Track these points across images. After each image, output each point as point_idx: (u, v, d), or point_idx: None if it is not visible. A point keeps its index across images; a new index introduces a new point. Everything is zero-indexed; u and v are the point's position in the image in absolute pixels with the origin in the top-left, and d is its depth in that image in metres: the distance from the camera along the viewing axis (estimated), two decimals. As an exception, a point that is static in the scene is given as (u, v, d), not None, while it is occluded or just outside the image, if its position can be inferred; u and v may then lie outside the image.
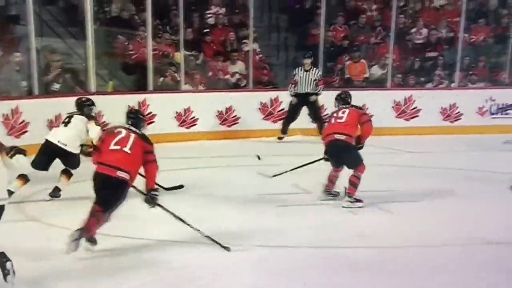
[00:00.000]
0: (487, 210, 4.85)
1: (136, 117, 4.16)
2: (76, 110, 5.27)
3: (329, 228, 4.44)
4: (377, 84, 9.59)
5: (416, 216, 4.78)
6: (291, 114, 8.50)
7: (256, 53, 9.27)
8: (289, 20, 9.93)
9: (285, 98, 8.76)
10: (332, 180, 5.28)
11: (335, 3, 9.91)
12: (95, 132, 5.10)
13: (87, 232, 3.75)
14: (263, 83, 9.19)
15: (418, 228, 4.47)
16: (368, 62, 9.76)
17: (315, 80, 8.49)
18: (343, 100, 5.35)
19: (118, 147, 3.92)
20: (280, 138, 8.46)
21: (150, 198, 3.94)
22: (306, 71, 8.49)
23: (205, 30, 9.12)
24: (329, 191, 5.26)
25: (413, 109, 9.42)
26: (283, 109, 8.86)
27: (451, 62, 9.95)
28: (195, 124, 8.34)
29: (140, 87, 8.02)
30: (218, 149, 7.11)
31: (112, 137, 4.00)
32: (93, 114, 5.36)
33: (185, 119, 8.41)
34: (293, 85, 8.47)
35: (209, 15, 9.25)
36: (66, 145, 5.14)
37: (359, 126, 5.12)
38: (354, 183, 5.04)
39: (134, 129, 4.02)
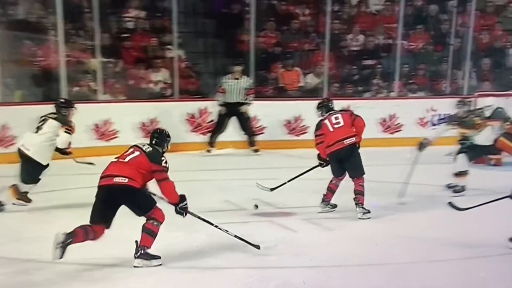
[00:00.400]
0: (427, 227, 5.48)
1: (161, 137, 4.79)
2: (53, 112, 5.84)
3: (265, 246, 4.82)
4: (313, 93, 10.50)
5: (356, 234, 5.32)
6: (220, 125, 9.26)
7: (182, 60, 10.00)
8: (217, 25, 10.68)
9: (214, 108, 9.59)
10: (332, 189, 5.96)
11: (265, 8, 10.71)
12: (61, 141, 5.74)
13: (73, 238, 4.28)
14: (190, 93, 9.89)
15: (360, 246, 4.99)
16: (303, 70, 10.74)
17: (245, 89, 9.41)
18: (326, 107, 6.17)
19: (115, 160, 4.60)
20: (208, 151, 9.15)
21: (180, 211, 4.62)
22: (236, 79, 9.31)
23: (123, 35, 9.67)
24: (328, 201, 5.94)
25: (351, 119, 10.36)
26: (212, 121, 9.70)
27: (389, 70, 11.08)
28: (116, 137, 8.87)
29: (52, 97, 8.10)
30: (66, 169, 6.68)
31: (124, 151, 4.67)
32: (69, 118, 5.95)
33: (103, 131, 9.03)
34: (221, 94, 9.25)
35: (127, 19, 9.86)
36: (29, 150, 5.66)
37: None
38: (361, 192, 5.83)
39: (143, 147, 4.61)
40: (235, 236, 4.80)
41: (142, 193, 4.54)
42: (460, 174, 6.61)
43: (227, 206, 6.11)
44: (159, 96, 9.50)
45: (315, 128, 6.29)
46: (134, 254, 4.41)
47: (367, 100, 10.70)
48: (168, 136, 4.87)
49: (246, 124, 9.32)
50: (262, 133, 10.01)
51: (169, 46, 9.83)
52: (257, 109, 9.82)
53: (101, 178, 4.53)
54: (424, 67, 11.47)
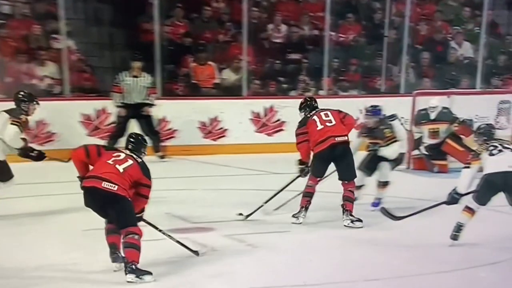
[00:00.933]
0: (353, 244, 6.05)
1: (137, 142, 5.40)
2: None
3: (184, 265, 5.37)
4: (231, 92, 11.21)
5: (282, 249, 5.83)
6: (119, 129, 9.67)
7: (72, 51, 10.44)
8: (113, 12, 11.17)
9: (114, 109, 10.01)
10: (311, 193, 6.53)
11: (172, -8, 11.26)
12: (8, 135, 6.20)
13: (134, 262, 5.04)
14: (84, 90, 10.30)
15: (287, 264, 5.45)
16: (218, 65, 11.39)
17: (146, 87, 9.84)
18: (310, 106, 6.80)
19: (111, 163, 5.14)
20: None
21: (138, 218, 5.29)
22: (135, 77, 9.79)
23: (-1, 22, 9.91)
24: (305, 208, 6.50)
25: (276, 121, 11.17)
26: (113, 123, 10.11)
27: (317, 65, 11.79)
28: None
29: None
30: (25, 175, 7.06)
31: (110, 156, 5.22)
32: (24, 113, 6.44)
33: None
34: (119, 94, 9.73)
35: (3, 3, 10.27)
36: None
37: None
38: (351, 198, 6.50)
39: (135, 156, 5.26)
40: (177, 241, 5.49)
41: (129, 206, 5.12)
42: (359, 187, 7.14)
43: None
44: (47, 94, 9.80)
45: (298, 125, 6.85)
46: (125, 271, 5.00)
47: (293, 99, 10.87)
48: (145, 141, 5.51)
49: (149, 127, 9.82)
50: (173, 137, 10.52)
51: (56, 36, 10.23)
52: (167, 110, 10.38)
53: (88, 177, 5.14)
54: (356, 62, 12.28)
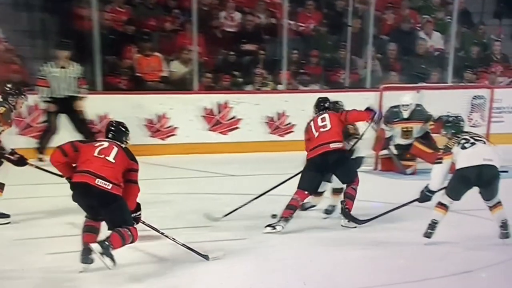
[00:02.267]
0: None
1: (118, 130, 5.67)
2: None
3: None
4: (180, 86, 11.08)
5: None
6: (50, 126, 9.54)
7: (-1, 40, 10.15)
8: (45, -4, 10.90)
9: (42, 104, 9.76)
10: (294, 206, 6.58)
11: (110, -25, 11.13)
12: None
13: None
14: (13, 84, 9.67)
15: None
16: (165, 56, 11.21)
17: (75, 78, 9.62)
18: (319, 107, 6.95)
19: (101, 156, 5.38)
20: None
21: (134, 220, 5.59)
22: (62, 67, 9.60)
23: None
24: (286, 218, 6.54)
25: (231, 119, 11.08)
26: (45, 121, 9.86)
27: (275, 57, 11.77)
28: None
29: None
30: None
31: (93, 147, 5.45)
32: (6, 107, 6.53)
33: None
34: (44, 88, 9.52)
35: None
36: None
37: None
38: (351, 196, 6.69)
39: (117, 142, 5.54)
40: (183, 245, 5.74)
41: (124, 205, 5.42)
42: (319, 193, 7.17)
43: (69, 231, 6.32)
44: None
45: (304, 131, 7.05)
46: (98, 242, 5.21)
47: (249, 94, 11.29)
48: (127, 129, 5.76)
49: (81, 123, 9.66)
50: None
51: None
52: (107, 105, 10.17)
53: (81, 172, 5.36)
54: (317, 53, 12.24)
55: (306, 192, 6.69)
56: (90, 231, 5.46)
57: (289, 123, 11.31)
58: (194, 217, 6.92)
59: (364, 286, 5.29)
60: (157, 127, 10.80)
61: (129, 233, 5.29)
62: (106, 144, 5.50)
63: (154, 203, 6.99)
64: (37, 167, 7.02)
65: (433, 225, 6.14)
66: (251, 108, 11.11)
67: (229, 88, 11.44)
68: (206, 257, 5.69)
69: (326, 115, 6.85)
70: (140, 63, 11.02)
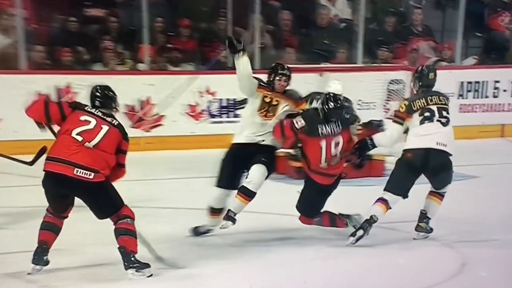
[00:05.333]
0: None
1: (104, 96, 5.74)
2: None
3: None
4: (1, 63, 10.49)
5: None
6: None
7: None
8: None
9: None
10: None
11: None
12: None
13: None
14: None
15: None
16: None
17: None
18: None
19: (79, 139, 5.44)
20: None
21: None
22: None
23: None
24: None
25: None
26: None
27: (132, 27, 11.43)
28: None
29: None
30: None
31: (78, 122, 5.51)
32: None
33: None
34: None
35: None
36: None
37: None
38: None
39: (109, 119, 5.60)
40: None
41: (110, 189, 5.58)
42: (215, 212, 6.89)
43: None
44: None
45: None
46: (124, 264, 5.49)
47: (99, 75, 10.35)
48: (114, 93, 5.83)
49: None
50: None
51: None
52: None
53: (54, 159, 5.43)
54: (190, 23, 11.80)
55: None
56: (50, 229, 5.63)
57: (156, 114, 10.84)
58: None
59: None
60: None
61: (129, 220, 5.52)
62: (92, 122, 5.52)
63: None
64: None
65: (371, 221, 6.35)
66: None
67: (71, 66, 10.82)
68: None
69: None
70: None
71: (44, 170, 5.45)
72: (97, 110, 5.61)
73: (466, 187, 8.22)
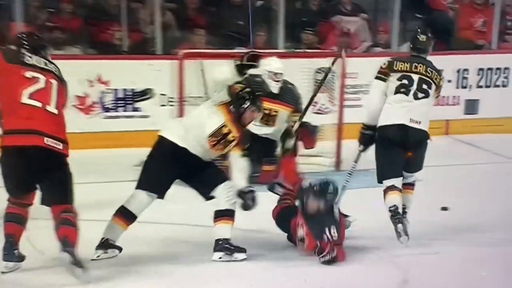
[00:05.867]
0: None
1: (30, 39, 5.60)
2: None
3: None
4: None
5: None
6: None
7: None
8: None
9: None
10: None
11: None
12: None
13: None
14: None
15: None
16: None
17: None
18: None
19: (38, 104, 5.33)
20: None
21: None
22: None
23: None
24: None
25: None
26: None
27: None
28: None
29: None
30: None
31: (24, 82, 5.34)
32: None
33: None
34: None
35: None
36: None
37: None
38: None
39: (51, 68, 5.50)
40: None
41: (70, 173, 5.52)
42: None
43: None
44: None
45: None
46: (63, 251, 5.32)
47: None
48: (37, 35, 5.80)
49: None
50: None
51: None
52: None
53: (16, 132, 5.29)
54: None
55: None
56: (15, 220, 5.51)
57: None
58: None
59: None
60: None
61: (72, 214, 5.41)
62: (42, 79, 5.35)
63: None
64: None
65: (396, 212, 6.25)
66: None
67: None
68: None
69: None
70: None
71: (4, 146, 5.29)
72: (36, 58, 5.43)
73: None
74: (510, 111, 11.80)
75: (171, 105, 9.73)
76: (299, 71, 9.84)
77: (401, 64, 6.35)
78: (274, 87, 8.43)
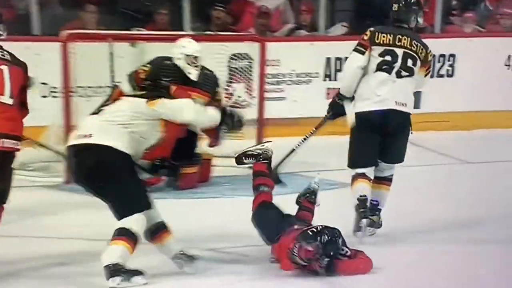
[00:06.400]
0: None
1: None
2: None
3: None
4: None
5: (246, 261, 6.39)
6: None
7: None
8: None
9: None
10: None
11: None
12: None
13: None
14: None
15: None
16: None
17: None
18: None
19: None
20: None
21: None
22: None
23: None
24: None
25: None
26: None
27: None
28: None
29: None
30: None
31: None
32: None
33: None
34: None
35: None
36: None
37: None
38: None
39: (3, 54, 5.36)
40: None
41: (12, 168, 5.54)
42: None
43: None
44: None
45: None
46: None
47: None
48: None
49: None
50: None
51: None
52: None
53: None
54: None
55: None
56: None
57: None
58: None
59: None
60: None
61: None
62: None
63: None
64: None
65: (364, 202, 6.10)
66: None
67: None
68: None
69: None
70: None
71: None
72: None
73: (338, 196, 7.15)
74: (456, 105, 11.07)
75: (54, 96, 9.00)
76: (211, 57, 8.96)
77: (384, 36, 6.07)
78: (193, 74, 7.96)
